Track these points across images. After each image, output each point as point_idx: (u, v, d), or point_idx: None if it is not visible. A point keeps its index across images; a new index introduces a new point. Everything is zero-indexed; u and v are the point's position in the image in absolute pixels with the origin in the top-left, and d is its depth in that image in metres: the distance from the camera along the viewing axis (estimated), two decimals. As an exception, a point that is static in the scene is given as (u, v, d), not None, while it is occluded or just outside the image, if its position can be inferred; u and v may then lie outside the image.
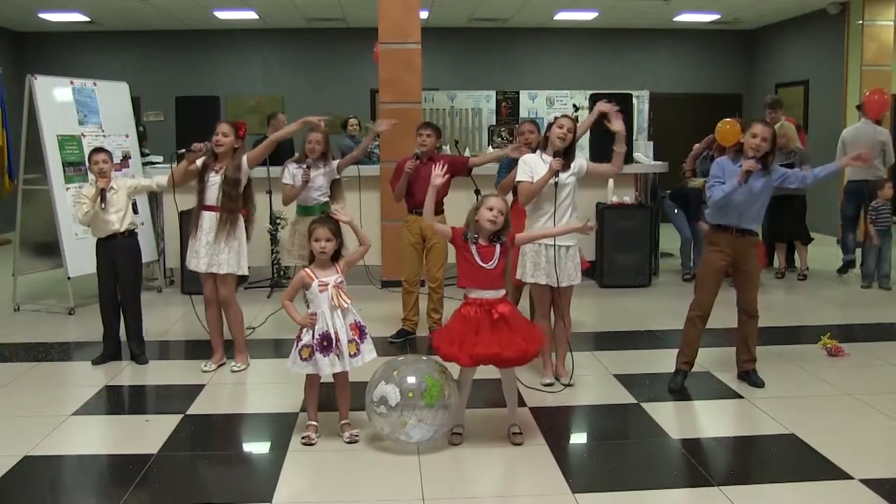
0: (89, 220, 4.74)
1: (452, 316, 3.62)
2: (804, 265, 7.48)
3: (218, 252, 4.60)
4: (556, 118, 4.31)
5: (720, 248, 4.26)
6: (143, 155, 7.85)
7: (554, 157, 4.17)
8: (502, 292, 3.57)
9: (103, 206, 4.68)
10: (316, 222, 3.62)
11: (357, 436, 3.62)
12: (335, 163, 5.35)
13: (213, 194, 4.58)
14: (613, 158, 4.31)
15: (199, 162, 4.63)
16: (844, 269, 7.59)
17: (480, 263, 3.51)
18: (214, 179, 4.58)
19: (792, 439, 3.63)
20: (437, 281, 5.31)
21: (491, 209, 3.50)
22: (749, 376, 4.39)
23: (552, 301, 4.41)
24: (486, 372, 3.65)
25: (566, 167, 4.20)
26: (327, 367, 3.53)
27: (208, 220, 4.60)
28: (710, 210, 4.30)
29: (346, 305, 3.56)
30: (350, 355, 3.56)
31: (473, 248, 3.53)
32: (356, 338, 3.60)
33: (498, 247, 3.55)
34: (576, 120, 4.33)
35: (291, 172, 5.24)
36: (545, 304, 4.39)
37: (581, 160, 4.34)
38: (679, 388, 4.30)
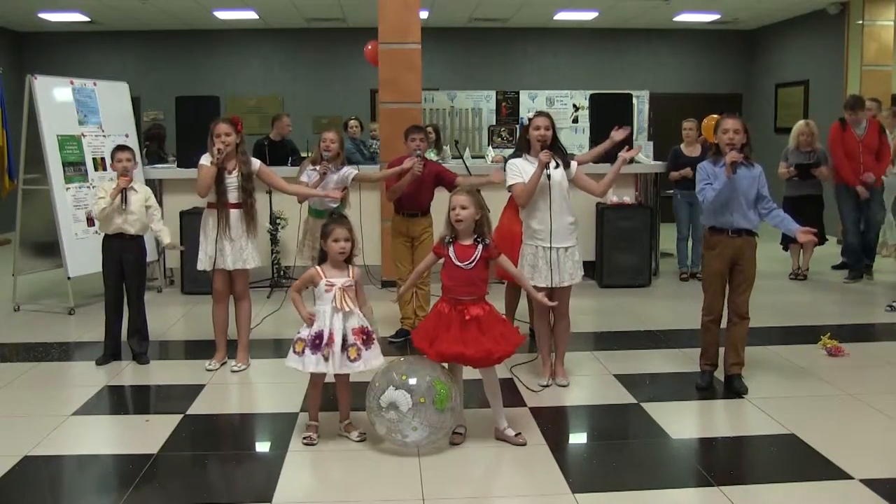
0: (104, 217, 4.71)
1: (431, 310, 3.66)
2: (806, 265, 7.47)
3: (242, 248, 4.66)
4: (530, 119, 4.28)
5: (718, 251, 4.24)
6: (161, 159, 7.78)
7: (541, 150, 4.14)
8: (480, 296, 3.58)
9: (124, 206, 4.70)
10: (333, 223, 3.63)
11: (365, 434, 3.62)
12: (351, 170, 5.26)
13: (233, 194, 4.63)
14: (606, 178, 4.28)
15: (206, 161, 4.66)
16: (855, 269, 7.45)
17: (456, 262, 3.54)
18: (231, 179, 4.62)
19: (792, 439, 3.63)
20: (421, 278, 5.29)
21: (454, 208, 3.56)
22: (733, 382, 4.28)
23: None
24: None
25: (555, 160, 4.16)
26: (311, 364, 3.52)
27: (235, 216, 4.64)
28: (705, 212, 4.28)
29: (347, 309, 3.55)
30: (350, 359, 3.54)
31: (451, 249, 3.57)
32: (359, 343, 3.56)
33: (479, 248, 3.57)
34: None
35: (308, 173, 5.21)
36: (543, 306, 4.36)
37: (573, 164, 4.30)
38: (707, 385, 4.32)
